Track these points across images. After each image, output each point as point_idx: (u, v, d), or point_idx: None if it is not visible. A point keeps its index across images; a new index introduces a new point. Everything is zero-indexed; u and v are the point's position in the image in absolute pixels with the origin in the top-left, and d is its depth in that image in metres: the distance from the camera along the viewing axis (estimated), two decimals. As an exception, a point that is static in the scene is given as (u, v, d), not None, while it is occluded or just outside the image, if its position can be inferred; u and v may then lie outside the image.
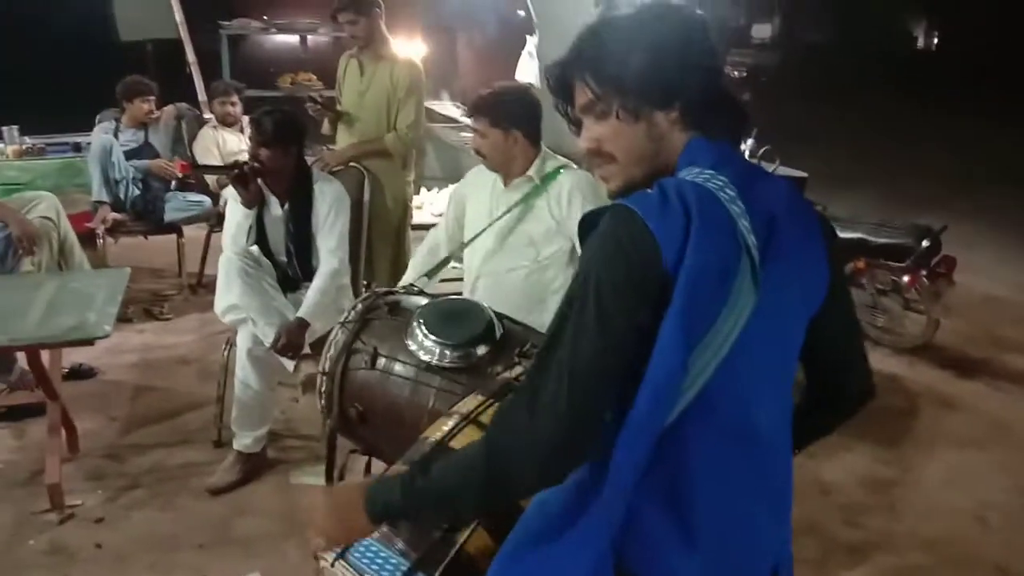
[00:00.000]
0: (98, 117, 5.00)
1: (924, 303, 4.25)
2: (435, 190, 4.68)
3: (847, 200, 6.72)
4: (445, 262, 2.63)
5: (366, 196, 3.60)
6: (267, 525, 2.76)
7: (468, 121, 2.70)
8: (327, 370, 2.12)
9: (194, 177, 4.93)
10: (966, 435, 3.60)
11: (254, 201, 3.06)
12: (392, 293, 2.25)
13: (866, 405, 1.37)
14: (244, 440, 2.99)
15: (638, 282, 1.01)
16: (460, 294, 2.74)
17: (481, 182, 2.74)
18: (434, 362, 1.99)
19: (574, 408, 1.01)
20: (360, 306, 2.18)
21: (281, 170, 3.06)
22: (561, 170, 2.58)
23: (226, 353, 3.17)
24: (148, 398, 3.62)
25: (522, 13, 7.63)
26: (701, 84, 1.11)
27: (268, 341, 2.88)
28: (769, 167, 4.41)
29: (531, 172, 2.58)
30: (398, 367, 2.03)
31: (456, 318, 2.06)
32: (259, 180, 3.04)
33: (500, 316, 2.12)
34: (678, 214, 1.02)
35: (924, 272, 4.15)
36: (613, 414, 1.05)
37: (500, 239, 2.63)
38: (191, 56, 6.12)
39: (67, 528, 2.72)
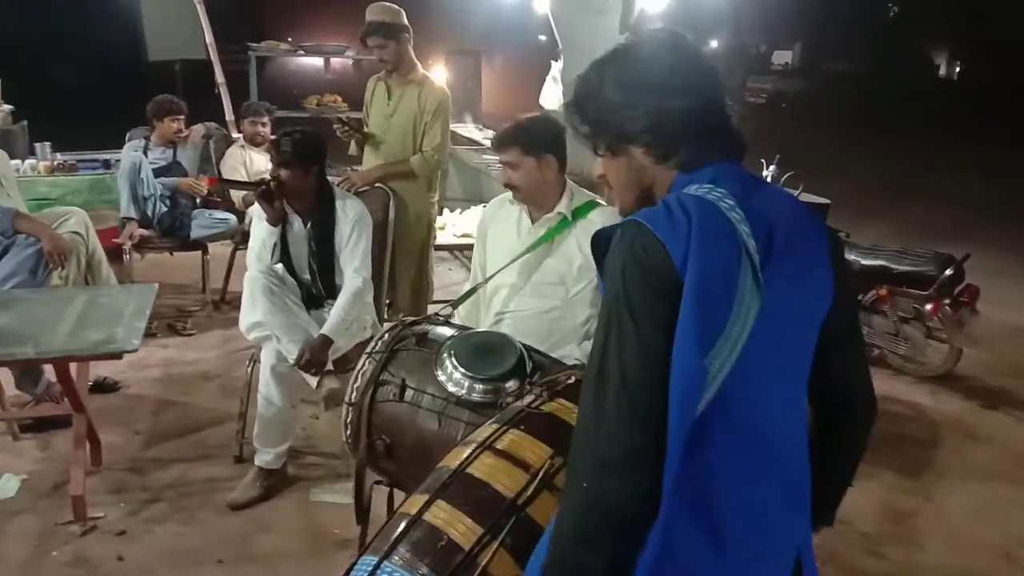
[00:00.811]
0: (128, 135, 5.10)
1: (947, 332, 4.23)
2: (457, 211, 4.72)
3: (869, 227, 6.71)
4: (471, 292, 2.59)
5: (391, 216, 3.63)
6: (287, 542, 2.77)
7: (495, 154, 2.64)
8: (354, 401, 2.08)
9: (220, 195, 5.00)
10: (991, 467, 3.56)
11: (278, 218, 3.10)
12: (418, 323, 2.22)
13: (874, 413, 1.37)
14: (265, 456, 3.01)
15: (657, 286, 1.08)
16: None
17: (504, 217, 2.67)
18: (463, 395, 1.95)
19: (636, 414, 1.06)
20: (387, 336, 2.15)
21: (302, 189, 3.10)
22: (593, 207, 2.55)
23: (249, 370, 3.20)
24: (171, 413, 3.66)
25: (543, 38, 7.72)
26: (673, 118, 1.18)
27: (292, 358, 2.91)
28: (791, 194, 4.42)
29: (561, 208, 2.53)
30: (427, 400, 1.99)
31: (486, 352, 2.02)
32: (281, 199, 3.09)
33: (530, 350, 2.09)
34: (682, 222, 1.09)
35: (947, 301, 4.13)
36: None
37: (525, 276, 2.56)
38: (220, 76, 6.23)
39: (90, 540, 2.74)
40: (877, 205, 8.45)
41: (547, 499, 1.44)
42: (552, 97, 5.24)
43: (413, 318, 2.27)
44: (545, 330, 2.47)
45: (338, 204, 3.18)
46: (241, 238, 4.76)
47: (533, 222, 2.58)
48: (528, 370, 2.00)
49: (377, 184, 3.69)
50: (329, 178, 3.29)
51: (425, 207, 3.89)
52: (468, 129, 7.35)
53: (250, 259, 3.18)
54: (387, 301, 3.73)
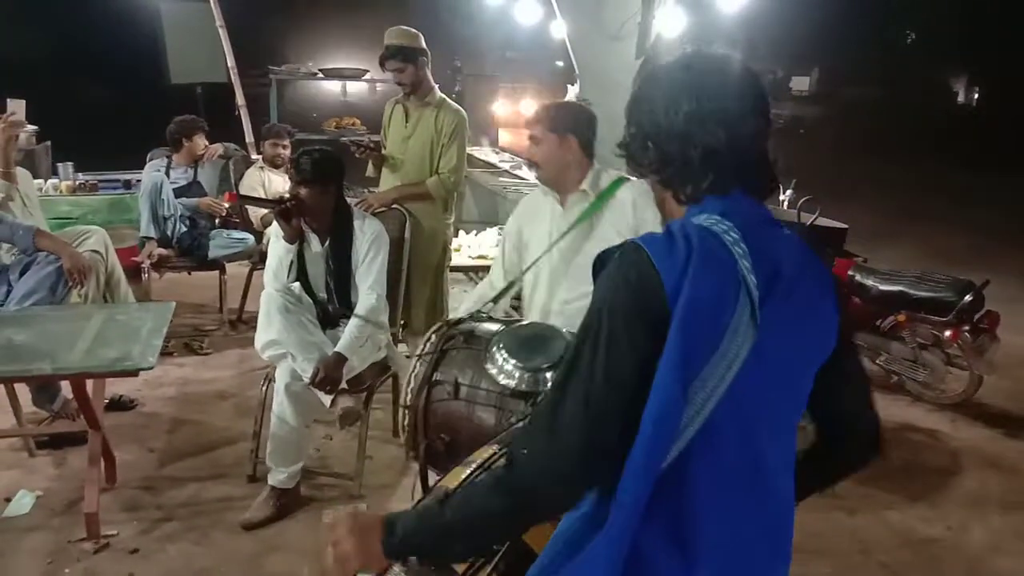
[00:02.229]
0: (149, 155, 5.16)
1: (967, 359, 4.17)
2: (473, 233, 4.73)
3: (887, 253, 6.67)
4: (510, 287, 2.66)
5: (407, 237, 3.65)
6: (299, 563, 2.75)
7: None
8: (409, 404, 2.13)
9: (238, 215, 5.05)
10: (1012, 496, 3.49)
11: (295, 236, 3.13)
12: (463, 322, 2.28)
13: (869, 462, 1.37)
14: (279, 476, 3.00)
15: (643, 312, 1.08)
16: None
17: (537, 211, 2.75)
18: (515, 386, 1.99)
19: (590, 430, 1.08)
20: (434, 337, 2.20)
21: (320, 208, 3.13)
22: (620, 184, 2.61)
23: (264, 389, 3.21)
24: (185, 431, 3.67)
25: (561, 64, 7.78)
26: (671, 156, 1.19)
27: (307, 376, 2.92)
28: (809, 217, 4.40)
29: (585, 186, 2.60)
30: (481, 395, 2.04)
31: (535, 342, 2.07)
32: (300, 217, 3.11)
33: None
34: (681, 250, 1.09)
35: (967, 327, 4.08)
36: (623, 448, 1.09)
37: (566, 262, 2.62)
38: (240, 99, 6.31)
39: (102, 558, 2.74)
40: (894, 230, 8.40)
41: (541, 525, 1.43)
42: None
43: (457, 318, 2.32)
44: None
45: (356, 223, 3.20)
46: (259, 258, 4.79)
47: (563, 205, 2.65)
48: None
49: (394, 205, 3.72)
50: (347, 199, 3.31)
51: (441, 228, 3.90)
52: (484, 152, 7.40)
53: (267, 277, 3.21)
54: (401, 322, 3.73)
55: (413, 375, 2.14)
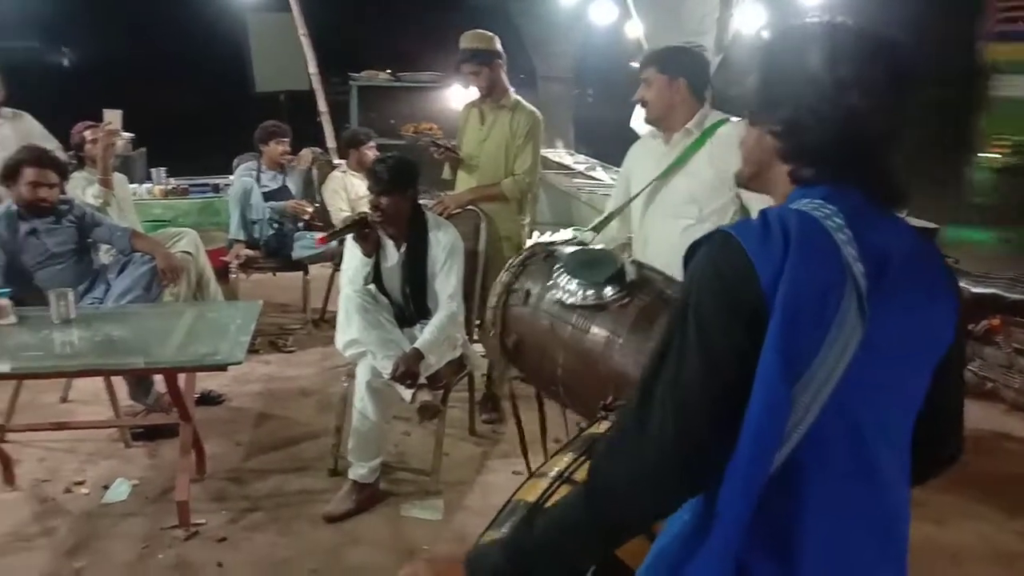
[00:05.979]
0: (236, 160, 5.36)
1: (1066, 365, 3.97)
2: (547, 234, 4.74)
3: (979, 254, 6.39)
4: (609, 218, 2.83)
5: (482, 237, 3.69)
6: (377, 555, 2.82)
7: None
8: (493, 305, 2.50)
9: (321, 219, 5.18)
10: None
11: (373, 251, 3.21)
12: (552, 244, 2.58)
13: (950, 466, 1.26)
14: (359, 470, 3.07)
15: (736, 304, 1.00)
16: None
17: (644, 153, 2.86)
18: (569, 301, 2.28)
19: (682, 433, 0.99)
20: (523, 255, 2.55)
21: (399, 214, 3.19)
22: (722, 123, 2.65)
23: (345, 386, 3.29)
24: (270, 426, 3.79)
25: (635, 64, 7.73)
26: (796, 113, 1.08)
27: (387, 373, 2.98)
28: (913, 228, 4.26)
29: (690, 125, 2.67)
30: (544, 304, 2.36)
31: (591, 264, 2.35)
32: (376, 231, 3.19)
33: (639, 264, 2.36)
34: (778, 240, 1.00)
35: (1067, 332, 3.89)
36: (721, 455, 1.01)
37: (655, 195, 2.72)
38: (323, 106, 6.49)
39: (192, 545, 2.86)
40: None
41: (636, 539, 1.40)
42: (644, 122, 5.22)
43: (547, 240, 2.63)
44: (680, 249, 2.55)
45: (431, 229, 3.26)
46: (340, 260, 4.91)
47: (667, 143, 2.74)
48: (628, 279, 2.27)
49: (469, 206, 3.77)
50: (422, 201, 3.37)
51: (516, 229, 3.92)
52: (559, 154, 7.41)
53: (343, 280, 3.29)
54: (477, 321, 3.77)
55: (498, 281, 2.50)
